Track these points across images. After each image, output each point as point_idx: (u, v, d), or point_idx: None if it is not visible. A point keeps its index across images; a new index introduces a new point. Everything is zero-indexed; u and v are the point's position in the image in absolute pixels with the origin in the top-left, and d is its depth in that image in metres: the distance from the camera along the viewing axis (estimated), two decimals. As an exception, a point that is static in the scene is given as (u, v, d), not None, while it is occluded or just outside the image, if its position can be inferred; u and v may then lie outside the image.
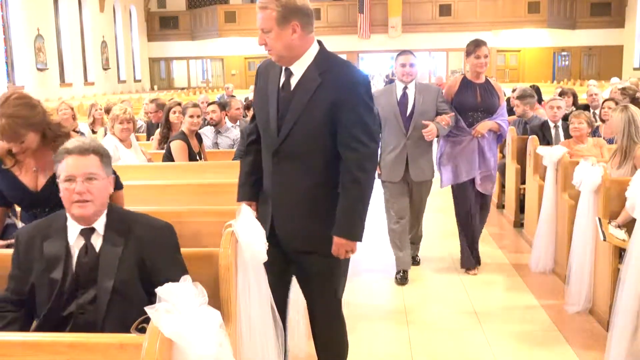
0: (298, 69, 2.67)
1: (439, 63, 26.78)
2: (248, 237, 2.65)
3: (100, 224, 2.33)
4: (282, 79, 2.71)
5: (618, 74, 20.87)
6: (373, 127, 2.70)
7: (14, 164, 3.01)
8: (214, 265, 2.54)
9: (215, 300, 2.44)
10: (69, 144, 2.35)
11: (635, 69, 23.88)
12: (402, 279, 5.01)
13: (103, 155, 2.36)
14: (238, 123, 6.96)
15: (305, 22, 2.61)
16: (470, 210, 5.14)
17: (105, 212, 2.35)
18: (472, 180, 5.07)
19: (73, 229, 2.32)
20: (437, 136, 4.76)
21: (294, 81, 2.68)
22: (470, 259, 5.24)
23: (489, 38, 23.55)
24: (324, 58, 2.68)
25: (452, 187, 5.20)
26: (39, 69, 17.46)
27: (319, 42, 2.73)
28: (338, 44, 25.53)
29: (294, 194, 2.72)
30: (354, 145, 2.62)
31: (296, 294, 3.78)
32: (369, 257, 5.70)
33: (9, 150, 2.96)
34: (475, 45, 4.94)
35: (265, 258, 2.75)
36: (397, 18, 24.63)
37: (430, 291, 4.91)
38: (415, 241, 5.44)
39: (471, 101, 4.96)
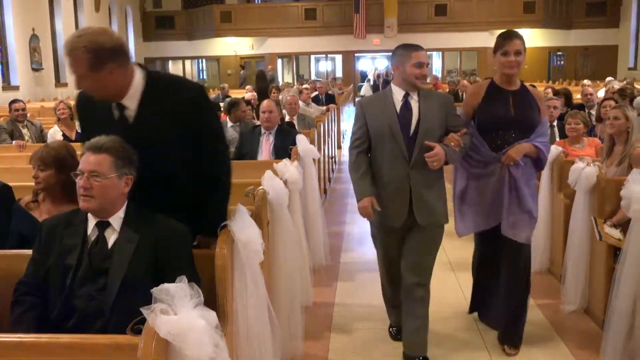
0: (131, 103, 2.52)
1: (435, 63, 26.84)
2: (245, 236, 2.65)
3: (116, 220, 2.41)
4: (116, 113, 2.54)
5: (613, 74, 20.90)
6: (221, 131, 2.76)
7: (34, 202, 3.09)
8: (211, 266, 2.54)
9: (212, 300, 2.44)
10: (91, 141, 2.43)
11: (629, 68, 23.93)
12: (396, 333, 4.04)
13: (117, 156, 2.40)
14: (238, 124, 6.95)
15: (121, 61, 2.43)
16: (493, 265, 3.90)
17: (124, 208, 2.43)
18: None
19: (91, 221, 2.42)
20: (446, 163, 3.43)
21: (130, 114, 2.53)
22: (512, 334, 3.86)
23: (485, 38, 23.66)
24: (154, 82, 2.55)
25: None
26: (34, 69, 17.40)
27: (141, 66, 2.58)
28: (334, 44, 25.62)
29: None
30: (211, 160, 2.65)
31: (293, 296, 3.79)
32: (364, 257, 5.71)
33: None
34: (504, 38, 3.61)
35: (261, 258, 2.75)
36: (393, 18, 24.62)
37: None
38: None
39: (502, 115, 3.61)
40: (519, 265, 3.75)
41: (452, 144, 3.39)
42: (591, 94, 7.87)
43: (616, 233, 3.96)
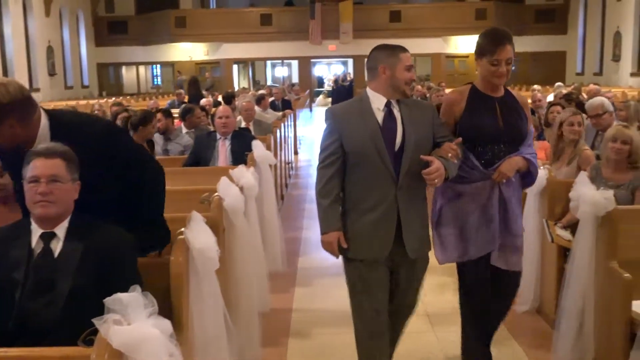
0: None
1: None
2: (200, 244, 2.63)
3: (61, 229, 2.34)
4: None
5: (562, 79, 21.48)
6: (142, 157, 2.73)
7: None
8: (165, 274, 2.51)
9: (168, 309, 2.41)
10: (37, 147, 2.35)
11: (577, 74, 24.68)
12: None
13: (70, 160, 2.36)
14: (193, 130, 6.88)
15: (23, 114, 2.36)
16: (486, 297, 3.31)
17: (69, 217, 2.36)
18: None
19: (35, 232, 2.34)
20: (446, 178, 2.89)
21: None
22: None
23: (438, 44, 24.05)
24: (58, 126, 2.49)
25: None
26: (-19, 75, 16.94)
27: (45, 110, 2.51)
28: (290, 50, 25.64)
29: None
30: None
31: (250, 303, 3.77)
32: (321, 263, 5.72)
33: None
34: (494, 42, 3.06)
35: (217, 265, 2.73)
36: (349, 24, 24.79)
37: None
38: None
39: (490, 126, 3.16)
40: (510, 295, 3.43)
41: (450, 154, 2.88)
42: (540, 100, 8.06)
43: (566, 234, 4.07)
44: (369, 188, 2.92)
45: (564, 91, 10.10)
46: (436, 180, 2.79)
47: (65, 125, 2.50)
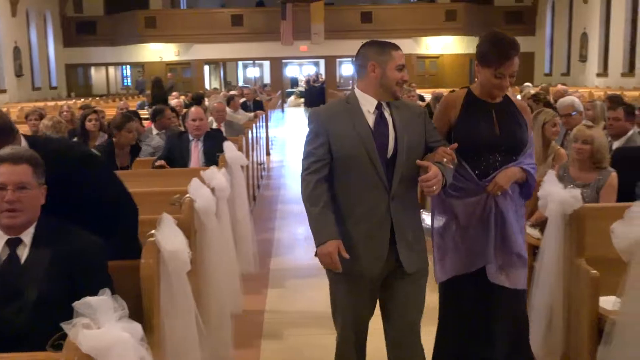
0: None
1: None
2: (170, 246, 2.61)
3: (28, 235, 2.28)
4: None
5: (530, 80, 21.76)
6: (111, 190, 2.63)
7: None
8: (136, 277, 2.49)
9: (138, 312, 2.38)
10: (2, 151, 2.28)
11: (545, 74, 25.08)
12: None
13: (36, 165, 2.30)
14: (164, 131, 6.82)
15: (2, 139, 2.37)
16: (472, 323, 3.06)
17: (35, 223, 2.30)
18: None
19: (1, 239, 2.27)
20: (443, 186, 2.67)
21: None
22: None
23: (409, 45, 24.18)
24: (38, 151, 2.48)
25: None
26: (-55, 76, 16.57)
27: (24, 136, 2.53)
28: (261, 50, 25.58)
29: None
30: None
31: (222, 305, 3.75)
32: (294, 264, 5.72)
33: None
34: (501, 54, 2.87)
35: (189, 267, 2.71)
36: (320, 25, 24.80)
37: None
38: None
39: (486, 134, 2.96)
40: (518, 318, 3.12)
41: (445, 159, 2.67)
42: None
43: (536, 233, 4.12)
44: (359, 198, 2.67)
45: (532, 91, 10.24)
46: (434, 188, 2.56)
47: (42, 151, 2.43)
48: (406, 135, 2.69)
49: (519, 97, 10.91)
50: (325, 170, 2.67)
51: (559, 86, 11.74)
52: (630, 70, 19.10)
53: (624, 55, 19.44)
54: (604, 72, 20.75)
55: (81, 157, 2.64)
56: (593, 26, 21.39)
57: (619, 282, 2.86)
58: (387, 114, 2.72)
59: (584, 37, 22.20)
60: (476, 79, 3.08)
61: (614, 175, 3.95)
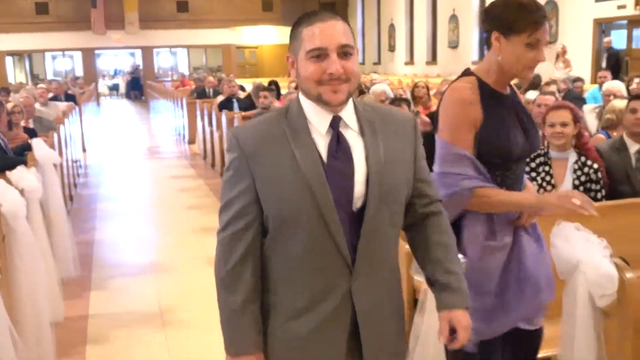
0: None
1: (181, 60, 26.79)
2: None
3: None
4: None
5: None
6: None
7: None
8: None
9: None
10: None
11: (359, 64, 26.38)
12: None
13: None
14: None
15: None
16: None
17: None
18: None
19: None
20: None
21: None
22: None
23: (227, 35, 24.18)
24: None
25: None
26: None
27: None
28: (70, 41, 24.15)
29: None
30: None
31: (40, 314, 3.52)
32: (116, 264, 5.53)
33: None
34: (537, 15, 2.04)
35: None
36: (134, 13, 24.00)
37: (186, 290, 4.90)
38: None
39: (519, 140, 2.17)
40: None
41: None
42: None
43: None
44: (304, 275, 1.65)
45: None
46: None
47: None
48: (384, 171, 1.64)
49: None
50: (252, 232, 1.66)
51: (371, 75, 12.41)
52: (433, 59, 20.73)
53: (427, 46, 21.05)
54: (410, 60, 22.31)
55: None
56: (399, 17, 22.91)
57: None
58: (350, 134, 1.66)
59: (392, 28, 23.68)
60: (482, 64, 2.21)
61: None
